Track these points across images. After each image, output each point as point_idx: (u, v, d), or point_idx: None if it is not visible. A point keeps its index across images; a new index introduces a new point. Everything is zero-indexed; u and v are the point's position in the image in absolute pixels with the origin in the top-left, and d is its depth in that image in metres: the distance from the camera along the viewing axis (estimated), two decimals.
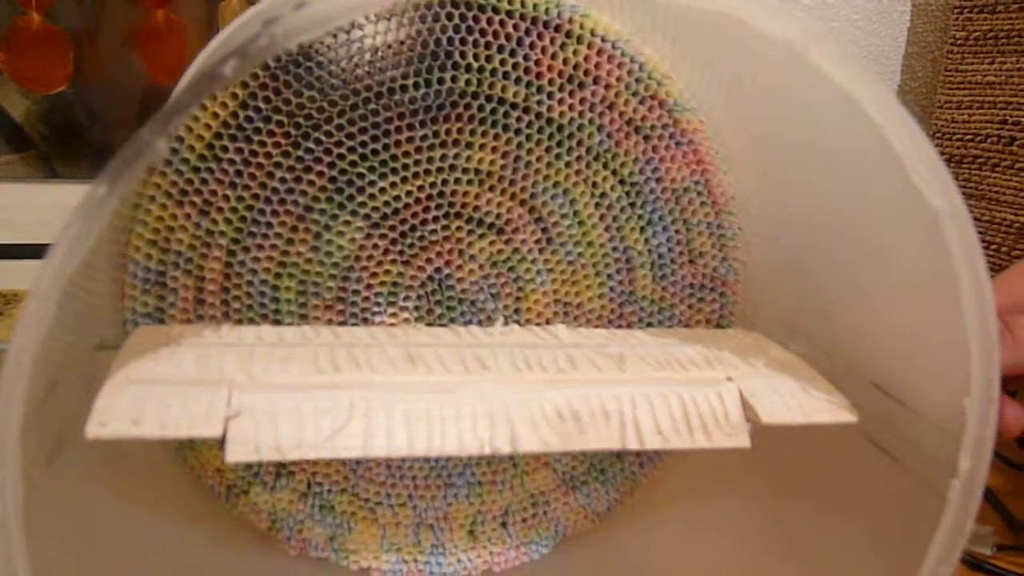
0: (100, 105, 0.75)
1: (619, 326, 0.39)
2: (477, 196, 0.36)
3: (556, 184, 0.37)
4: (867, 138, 0.23)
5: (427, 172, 0.35)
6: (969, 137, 0.73)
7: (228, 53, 0.18)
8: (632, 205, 0.38)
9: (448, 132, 0.35)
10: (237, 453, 0.24)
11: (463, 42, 0.34)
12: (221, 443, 0.24)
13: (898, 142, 0.22)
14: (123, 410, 0.23)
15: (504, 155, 0.36)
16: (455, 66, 0.34)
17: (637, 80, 0.36)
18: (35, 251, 0.70)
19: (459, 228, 0.36)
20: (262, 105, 0.33)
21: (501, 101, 0.35)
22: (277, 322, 0.35)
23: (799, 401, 0.29)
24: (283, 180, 0.34)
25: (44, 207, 0.72)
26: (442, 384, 0.27)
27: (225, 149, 0.33)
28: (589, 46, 0.35)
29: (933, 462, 0.27)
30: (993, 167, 0.72)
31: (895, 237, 0.27)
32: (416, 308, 0.37)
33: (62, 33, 0.67)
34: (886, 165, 0.23)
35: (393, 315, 0.36)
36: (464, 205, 0.36)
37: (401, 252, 0.36)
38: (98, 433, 0.22)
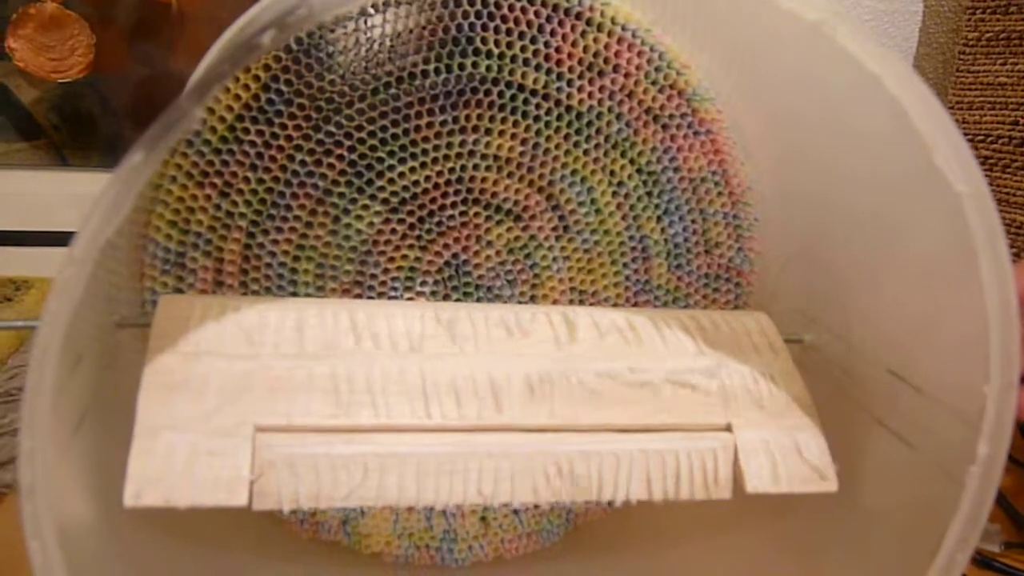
0: (112, 95, 0.75)
1: None
2: (495, 182, 0.36)
3: (574, 172, 0.37)
4: (888, 118, 0.23)
5: (446, 158, 0.35)
6: (980, 138, 0.73)
7: (266, 23, 0.18)
8: (649, 194, 0.38)
9: (467, 118, 0.35)
10: (262, 503, 0.26)
11: (484, 28, 0.34)
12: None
13: (920, 122, 0.22)
14: (155, 480, 0.25)
15: (523, 142, 0.36)
16: (475, 52, 0.34)
17: (657, 69, 0.36)
18: (45, 238, 0.70)
19: (477, 214, 0.36)
20: (284, 88, 0.33)
21: (521, 88, 0.35)
22: None
23: (787, 467, 0.31)
24: (303, 163, 0.34)
25: (54, 195, 0.72)
26: (453, 436, 0.29)
27: (247, 131, 0.33)
28: (609, 34, 0.35)
29: (950, 449, 0.27)
30: (1004, 168, 0.72)
31: (914, 220, 0.27)
32: (433, 293, 0.37)
33: (80, 19, 0.67)
34: (907, 146, 0.23)
35: (410, 299, 0.37)
36: (482, 191, 0.36)
37: (419, 237, 0.36)
38: (134, 504, 0.24)
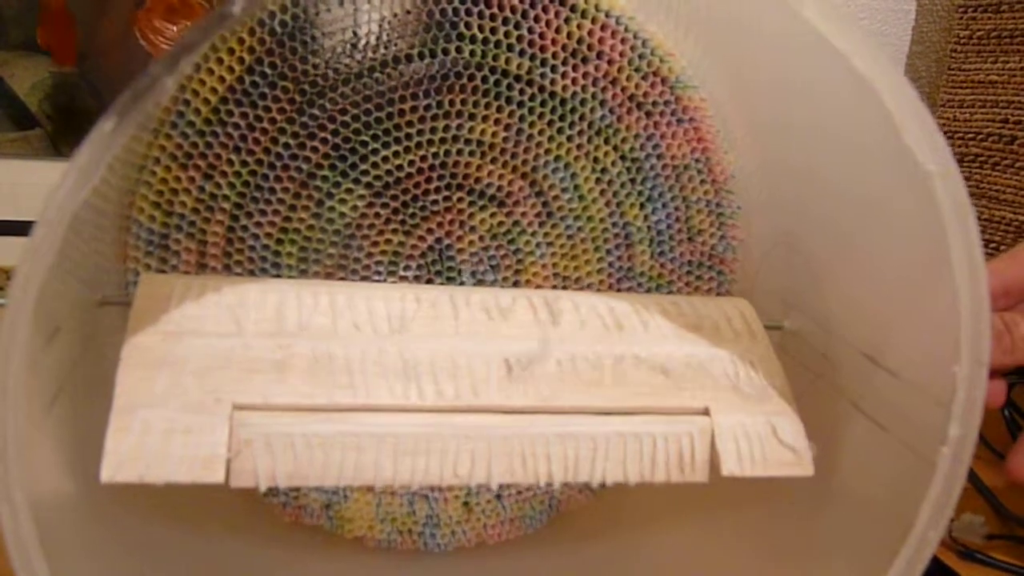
0: (106, 86, 0.75)
1: None
2: (479, 168, 0.36)
3: (557, 158, 0.37)
4: (859, 97, 0.23)
5: (430, 143, 0.36)
6: (971, 136, 0.74)
7: None
8: (632, 181, 0.38)
9: (451, 103, 0.35)
10: (239, 481, 0.27)
11: (468, 13, 0.34)
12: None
13: (890, 100, 0.22)
14: (131, 457, 0.25)
15: (506, 127, 0.36)
16: (460, 37, 0.35)
17: (640, 56, 0.36)
18: None
19: (460, 199, 0.37)
20: (268, 71, 0.33)
21: (505, 73, 0.35)
22: None
23: (763, 450, 0.31)
24: (287, 146, 0.34)
25: (47, 185, 0.72)
26: (430, 415, 0.29)
27: (230, 113, 0.34)
28: (593, 21, 0.35)
29: (923, 430, 0.27)
30: (994, 166, 0.72)
31: (888, 202, 0.27)
32: (416, 278, 0.37)
33: (66, 8, 0.68)
34: (878, 126, 0.23)
35: (395, 284, 0.37)
36: (466, 176, 0.36)
37: (402, 222, 0.36)
38: (110, 480, 0.24)
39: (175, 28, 0.66)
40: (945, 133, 0.72)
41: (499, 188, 0.37)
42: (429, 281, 0.37)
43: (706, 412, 0.31)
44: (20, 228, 0.71)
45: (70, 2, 0.68)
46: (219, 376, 0.28)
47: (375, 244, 0.36)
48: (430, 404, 0.29)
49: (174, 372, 0.27)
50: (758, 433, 0.31)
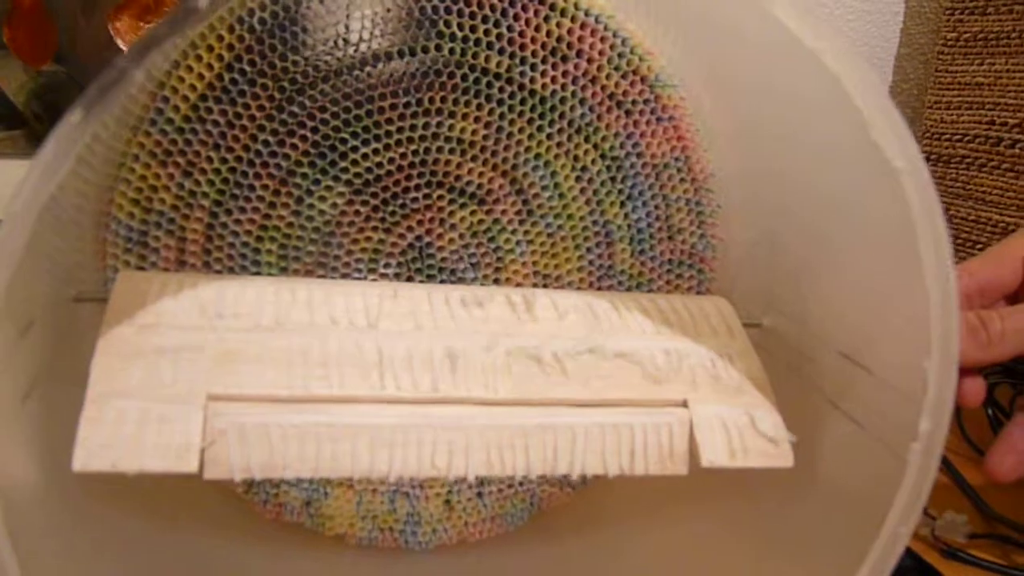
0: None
1: None
2: (459, 166, 0.36)
3: (537, 156, 0.37)
4: (830, 94, 0.23)
5: (409, 140, 0.36)
6: (958, 137, 0.74)
7: None
8: (613, 179, 0.38)
9: (431, 101, 0.35)
10: (213, 472, 0.27)
11: (448, 11, 0.34)
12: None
13: (858, 98, 0.23)
14: (103, 445, 0.25)
15: (486, 125, 0.36)
16: (440, 35, 0.35)
17: (620, 55, 0.36)
18: None
19: (440, 197, 0.37)
20: (247, 68, 0.33)
21: (484, 71, 0.35)
22: None
23: (743, 441, 0.31)
24: (266, 143, 0.34)
25: None
26: (408, 407, 0.29)
27: (210, 111, 0.34)
28: (573, 19, 0.35)
29: (896, 426, 0.27)
30: (980, 167, 0.72)
31: (861, 200, 0.27)
32: (396, 275, 0.37)
33: (44, 7, 0.68)
34: (849, 123, 0.23)
35: (373, 281, 0.37)
36: (446, 174, 0.36)
37: (382, 219, 0.36)
38: (82, 469, 0.24)
39: (149, 27, 0.66)
40: (932, 135, 0.73)
41: (479, 186, 0.37)
42: (409, 278, 0.37)
43: (684, 404, 0.31)
44: None
45: (52, 2, 0.68)
46: (195, 367, 0.28)
47: (355, 241, 0.36)
48: (407, 395, 0.29)
49: (149, 363, 0.27)
50: (737, 424, 0.31)
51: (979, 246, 0.72)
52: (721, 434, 0.31)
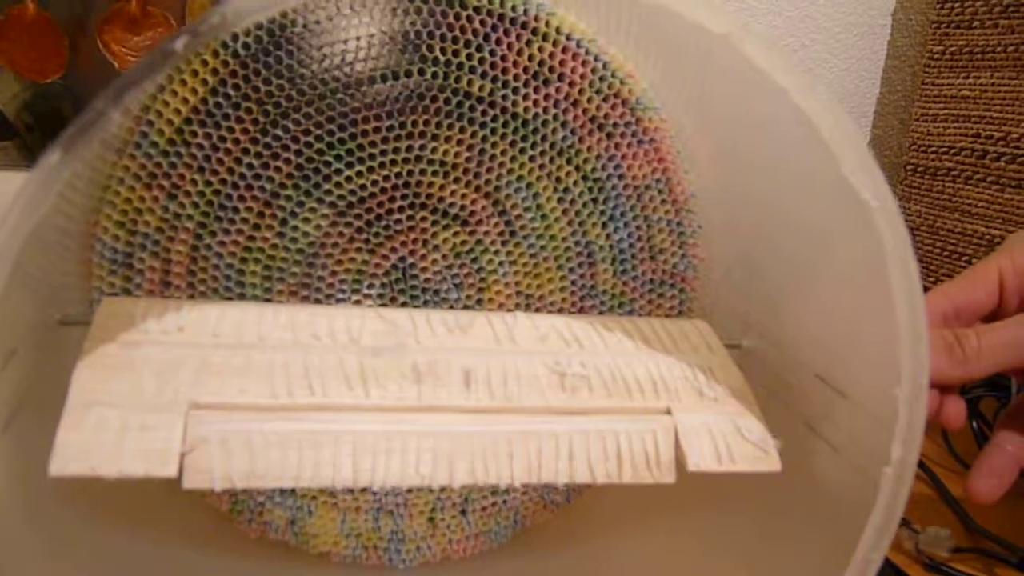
0: (88, 96, 0.75)
1: None
2: (442, 187, 0.37)
3: (520, 178, 0.37)
4: (803, 129, 0.24)
5: (393, 163, 0.36)
6: (944, 150, 0.75)
7: (181, 30, 0.19)
8: (594, 201, 0.38)
9: (415, 124, 0.36)
10: (193, 481, 0.26)
11: (431, 36, 0.35)
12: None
13: (828, 133, 0.23)
14: (82, 450, 0.25)
15: (469, 148, 0.36)
16: (423, 59, 0.35)
17: (601, 78, 0.37)
18: None
19: (424, 219, 0.37)
20: (231, 92, 0.34)
21: (467, 95, 0.36)
22: None
23: (729, 445, 0.31)
24: (250, 166, 0.35)
25: None
26: (391, 414, 0.29)
27: (194, 134, 0.34)
28: (555, 44, 0.36)
29: (869, 451, 0.28)
30: (966, 180, 0.73)
31: (834, 228, 0.28)
32: (380, 296, 0.37)
33: (52, 21, 0.68)
34: (820, 157, 0.24)
35: (357, 303, 0.37)
36: (429, 196, 0.37)
37: (366, 240, 0.37)
38: (59, 473, 0.24)
39: (136, 39, 0.66)
40: (919, 147, 0.73)
41: (462, 207, 0.37)
42: (392, 299, 0.38)
43: (668, 412, 0.32)
44: None
45: (54, 12, 0.68)
46: (177, 378, 0.28)
47: (339, 263, 0.37)
48: (391, 404, 0.29)
49: (132, 375, 0.27)
50: (722, 431, 0.31)
51: (964, 258, 0.73)
52: (707, 440, 0.31)
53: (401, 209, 0.37)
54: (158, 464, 0.25)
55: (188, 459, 0.26)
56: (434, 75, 0.35)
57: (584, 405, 0.31)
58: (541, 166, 0.37)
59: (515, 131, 0.37)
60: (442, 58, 0.35)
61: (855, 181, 0.23)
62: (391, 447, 0.28)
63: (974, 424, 0.55)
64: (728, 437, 0.31)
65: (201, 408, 0.27)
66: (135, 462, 0.25)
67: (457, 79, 0.35)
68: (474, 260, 0.38)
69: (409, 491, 0.40)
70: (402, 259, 0.37)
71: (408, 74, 0.35)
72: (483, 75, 0.36)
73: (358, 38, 0.34)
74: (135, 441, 0.25)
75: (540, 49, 0.36)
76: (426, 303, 0.38)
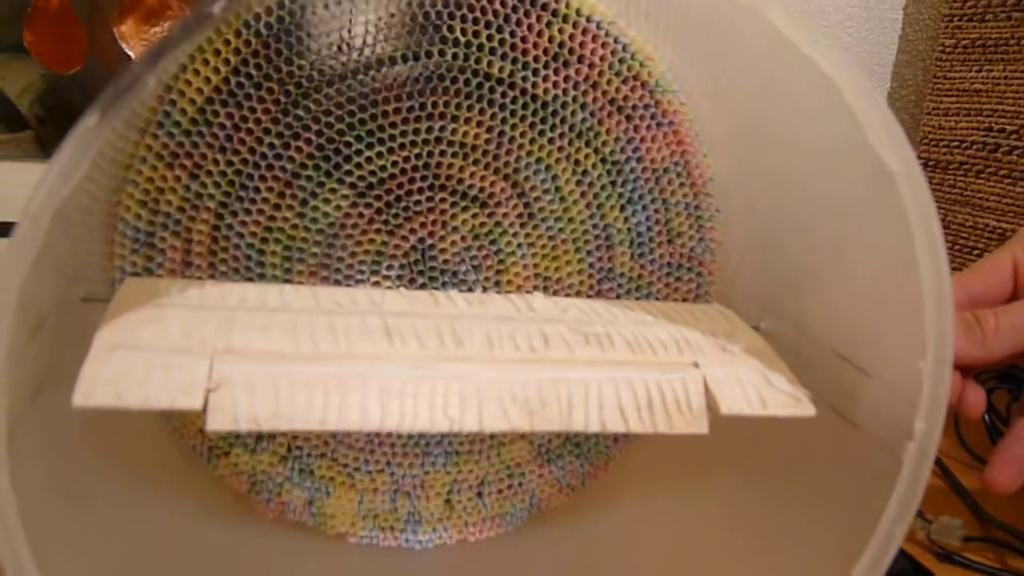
0: (97, 88, 0.75)
1: None
2: (461, 169, 0.37)
3: (539, 160, 0.37)
4: (827, 99, 0.24)
5: (413, 144, 0.36)
6: (955, 143, 0.75)
7: None
8: (613, 183, 0.38)
9: (434, 105, 0.36)
10: (217, 422, 0.25)
11: (451, 17, 0.35)
12: (203, 410, 0.25)
13: (854, 101, 0.23)
14: (107, 380, 0.24)
15: (489, 130, 0.37)
16: (443, 40, 0.35)
17: (620, 60, 0.37)
18: None
19: (443, 200, 0.37)
20: (254, 72, 0.34)
21: (487, 76, 0.36)
22: None
23: (760, 393, 0.31)
24: (271, 146, 0.35)
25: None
26: (416, 361, 0.29)
27: (216, 114, 0.34)
28: (574, 25, 0.36)
29: (891, 426, 0.28)
30: (978, 173, 0.73)
31: (856, 201, 0.28)
32: (399, 277, 0.38)
33: (72, 10, 0.68)
34: (845, 127, 0.24)
35: (376, 283, 0.37)
36: (448, 178, 0.37)
37: (386, 222, 0.37)
38: (83, 403, 0.24)
39: (154, 30, 0.66)
40: (930, 141, 0.73)
41: (481, 189, 0.37)
42: (411, 280, 0.38)
43: (696, 365, 0.31)
44: (8, 230, 0.71)
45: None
46: (203, 329, 0.28)
47: (359, 244, 0.37)
48: (415, 353, 0.29)
49: (158, 326, 0.27)
50: (752, 380, 0.31)
51: (976, 252, 0.72)
52: (737, 387, 0.30)
53: (420, 190, 0.37)
54: (183, 396, 0.25)
55: (212, 398, 0.25)
56: (454, 56, 0.35)
57: (611, 358, 0.31)
58: (560, 148, 0.37)
59: (535, 113, 0.37)
60: (462, 39, 0.35)
61: (881, 150, 0.23)
62: (419, 391, 0.28)
63: (986, 417, 0.55)
64: (759, 385, 0.31)
65: (227, 352, 0.27)
66: (160, 393, 0.24)
67: (477, 60, 0.36)
68: (493, 242, 0.38)
69: (426, 472, 0.40)
70: (421, 240, 0.37)
71: (428, 55, 0.35)
72: (503, 56, 0.36)
73: (378, 18, 0.35)
74: (161, 376, 0.25)
75: (560, 31, 0.36)
76: (444, 285, 0.38)
